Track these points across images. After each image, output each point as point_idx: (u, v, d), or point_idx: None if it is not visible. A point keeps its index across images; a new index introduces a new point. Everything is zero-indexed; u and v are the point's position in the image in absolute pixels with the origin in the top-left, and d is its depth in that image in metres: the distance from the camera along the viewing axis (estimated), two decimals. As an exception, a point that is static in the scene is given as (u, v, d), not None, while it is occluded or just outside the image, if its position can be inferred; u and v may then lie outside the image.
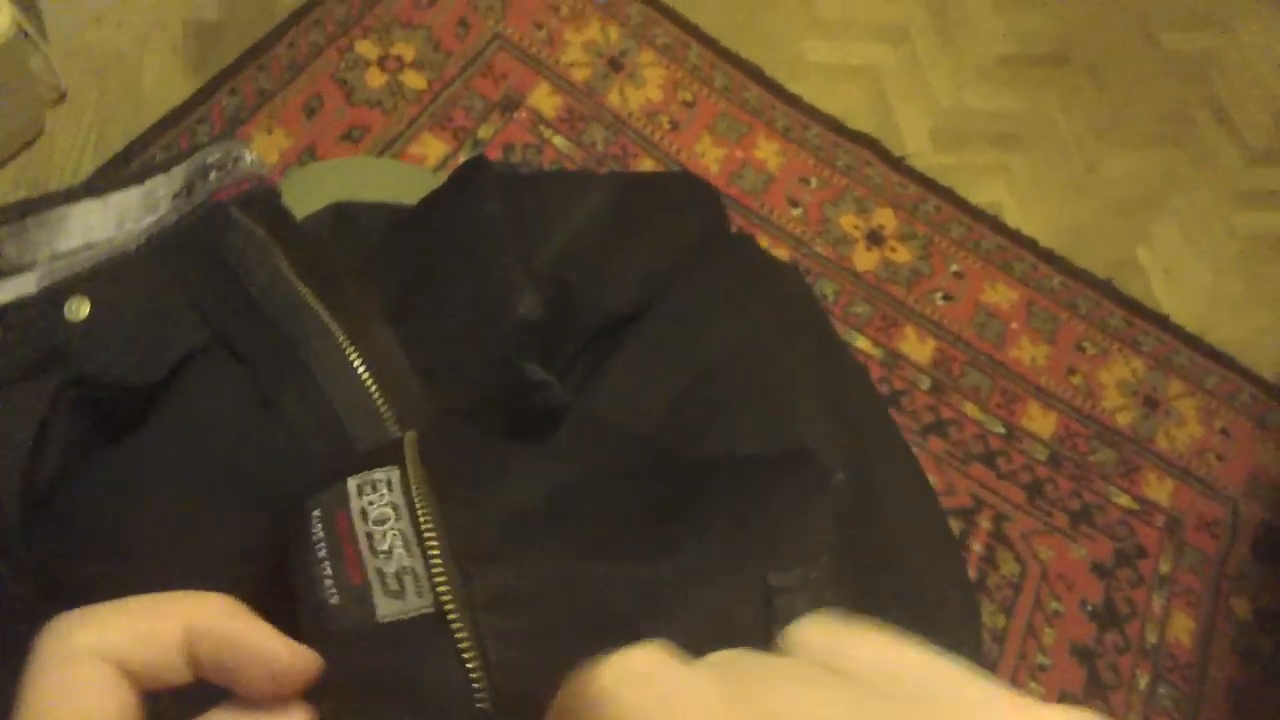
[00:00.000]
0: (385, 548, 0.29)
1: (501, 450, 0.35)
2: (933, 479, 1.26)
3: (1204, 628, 1.26)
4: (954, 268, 1.39)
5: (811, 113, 1.44)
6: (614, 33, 1.43)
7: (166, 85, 1.25)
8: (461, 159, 1.29)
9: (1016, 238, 1.43)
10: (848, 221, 1.38)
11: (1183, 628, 1.26)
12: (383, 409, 0.36)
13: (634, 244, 0.45)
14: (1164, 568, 1.29)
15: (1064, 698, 1.17)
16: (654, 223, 0.48)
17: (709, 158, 1.37)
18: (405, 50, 1.34)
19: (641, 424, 0.39)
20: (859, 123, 1.45)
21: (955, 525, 1.24)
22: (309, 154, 1.24)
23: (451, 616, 0.28)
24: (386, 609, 0.28)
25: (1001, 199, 1.46)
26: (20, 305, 0.37)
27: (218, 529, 0.34)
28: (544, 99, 1.35)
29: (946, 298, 1.37)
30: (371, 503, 0.30)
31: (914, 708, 0.18)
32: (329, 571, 0.29)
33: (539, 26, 1.40)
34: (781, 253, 1.34)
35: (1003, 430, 1.31)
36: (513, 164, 1.30)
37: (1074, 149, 1.54)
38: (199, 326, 0.38)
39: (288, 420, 0.36)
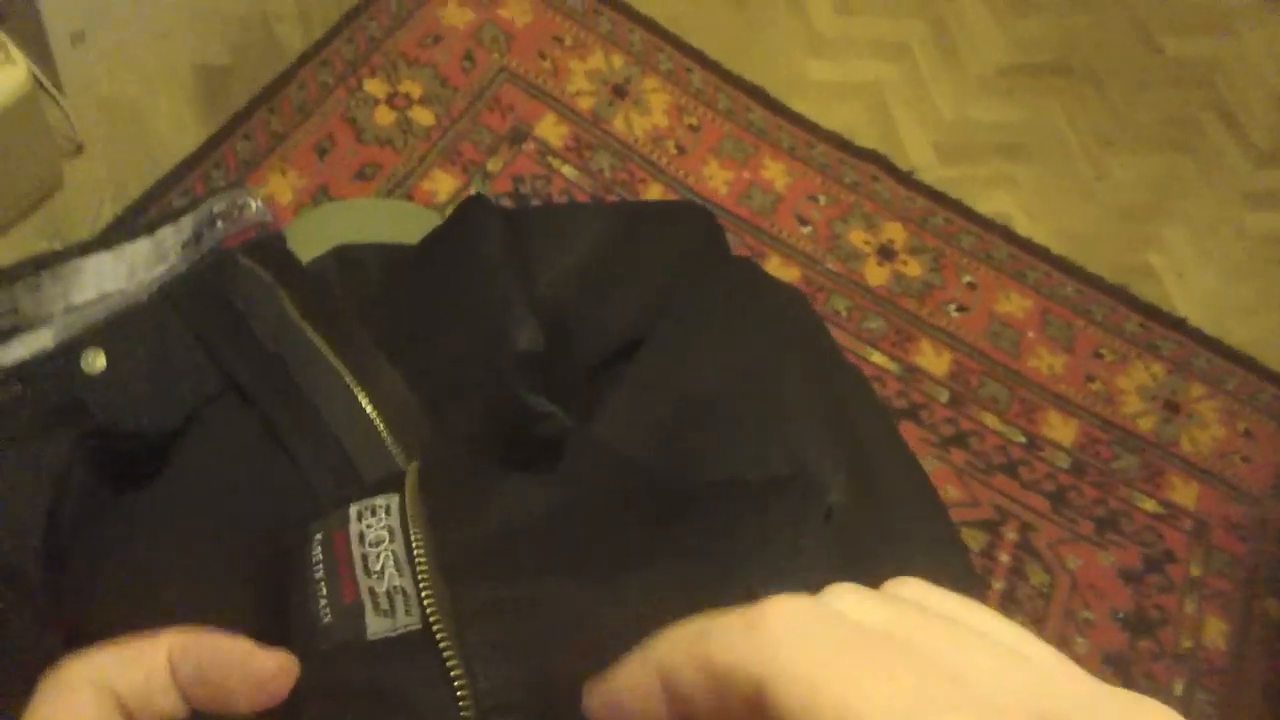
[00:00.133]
0: (378, 568, 0.30)
1: (493, 476, 0.36)
2: (955, 491, 1.26)
3: (1238, 630, 1.25)
4: (966, 279, 1.39)
5: (816, 131, 1.45)
6: (617, 60, 1.44)
7: (180, 131, 1.27)
8: (473, 192, 1.30)
9: (1028, 246, 1.43)
10: (857, 237, 1.39)
11: (1216, 631, 1.24)
12: (390, 444, 0.37)
13: (630, 274, 0.46)
14: (1194, 571, 1.27)
15: (1097, 708, 1.16)
16: (649, 252, 0.48)
17: (716, 180, 1.38)
18: (413, 87, 1.36)
19: (640, 450, 0.40)
20: (864, 139, 1.46)
21: (980, 537, 1.24)
22: (323, 193, 1.26)
23: (438, 633, 0.29)
24: (377, 627, 0.29)
25: (1009, 210, 1.46)
26: (39, 360, 0.38)
27: (231, 567, 0.35)
28: (551, 129, 1.37)
29: (960, 309, 1.37)
30: (369, 526, 0.31)
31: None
32: (324, 591, 0.30)
33: (543, 57, 1.42)
34: (793, 271, 1.34)
35: (1023, 440, 1.30)
36: (524, 196, 1.31)
37: (1080, 157, 1.54)
38: (211, 373, 0.39)
39: (297, 458, 0.37)
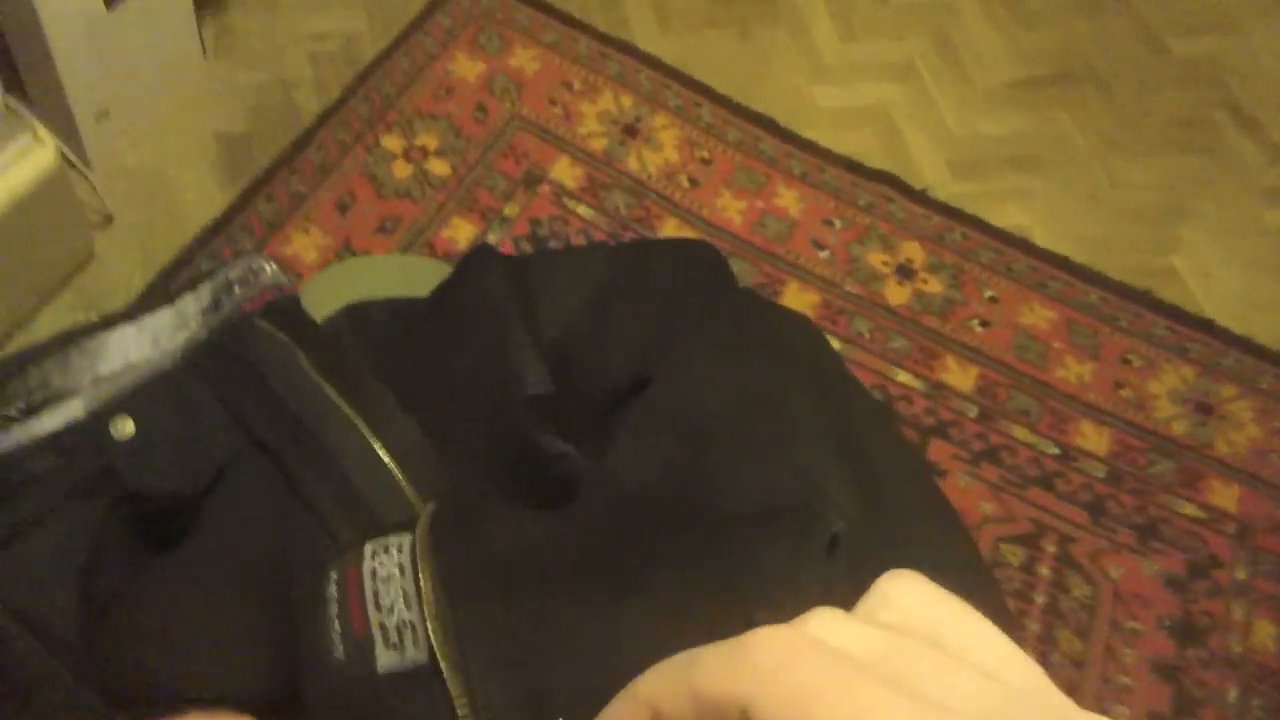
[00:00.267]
0: (389, 603, 0.31)
1: (500, 505, 0.37)
2: (990, 506, 1.25)
3: (1289, 633, 1.23)
4: (988, 293, 1.39)
5: (827, 156, 1.46)
6: (626, 100, 1.47)
7: (205, 197, 1.31)
8: (491, 238, 1.32)
9: (1048, 257, 1.43)
10: (875, 258, 1.39)
11: (1266, 634, 1.22)
12: (407, 489, 0.38)
13: (634, 311, 0.47)
14: (1239, 575, 1.25)
15: (1154, 718, 1.14)
16: (653, 289, 0.50)
17: (730, 210, 1.40)
18: (428, 140, 1.39)
19: (651, 482, 0.41)
20: (875, 161, 1.46)
21: (1019, 552, 1.23)
22: (346, 248, 1.29)
23: (444, 666, 0.30)
24: (386, 660, 0.31)
25: (1026, 221, 1.46)
26: (71, 430, 0.40)
27: (257, 616, 0.36)
28: (565, 171, 1.39)
29: (984, 324, 1.37)
30: (381, 563, 0.32)
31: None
32: (337, 626, 0.31)
33: (553, 103, 1.45)
34: (812, 296, 1.35)
35: (1056, 451, 1.29)
36: (543, 238, 1.33)
37: (1093, 163, 1.54)
38: (234, 433, 0.40)
39: (318, 508, 0.38)
